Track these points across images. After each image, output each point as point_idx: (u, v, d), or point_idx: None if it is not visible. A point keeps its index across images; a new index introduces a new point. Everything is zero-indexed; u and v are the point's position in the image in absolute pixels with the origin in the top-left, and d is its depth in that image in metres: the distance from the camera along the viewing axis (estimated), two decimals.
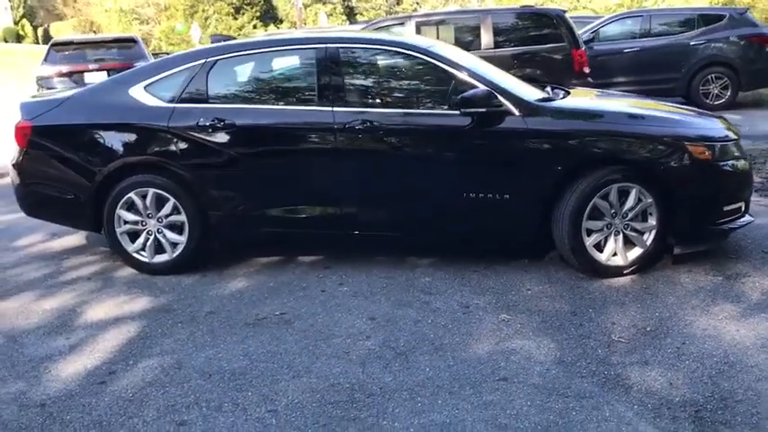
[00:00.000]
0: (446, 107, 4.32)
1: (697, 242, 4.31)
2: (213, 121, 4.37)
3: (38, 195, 4.78)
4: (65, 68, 10.91)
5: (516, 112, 4.17)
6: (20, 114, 4.78)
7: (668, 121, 4.28)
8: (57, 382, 3.29)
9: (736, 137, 4.35)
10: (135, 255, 4.62)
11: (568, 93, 4.69)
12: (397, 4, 46.55)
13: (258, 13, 48.49)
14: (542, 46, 9.50)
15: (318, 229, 4.54)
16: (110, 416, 2.98)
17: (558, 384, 3.11)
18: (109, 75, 10.59)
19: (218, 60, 4.54)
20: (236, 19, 47.22)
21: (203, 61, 4.51)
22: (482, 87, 4.14)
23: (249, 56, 4.65)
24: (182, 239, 4.55)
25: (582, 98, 4.86)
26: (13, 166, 4.84)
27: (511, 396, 3.03)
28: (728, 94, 11.28)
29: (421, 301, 4.06)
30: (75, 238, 5.59)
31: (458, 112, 4.19)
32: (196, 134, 4.41)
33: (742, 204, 4.36)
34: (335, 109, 4.30)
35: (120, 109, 4.54)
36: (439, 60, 4.36)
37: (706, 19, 11.73)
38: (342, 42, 4.49)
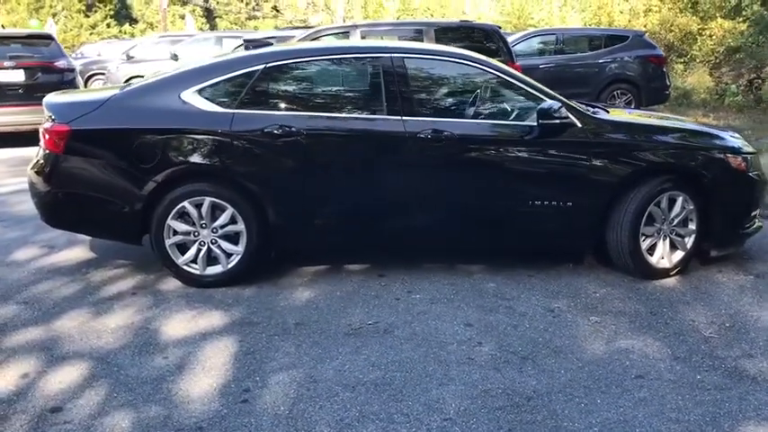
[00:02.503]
0: (513, 118, 4.45)
1: (729, 245, 4.76)
2: (279, 128, 4.25)
3: (72, 205, 4.41)
4: None
5: (579, 123, 4.39)
6: (50, 116, 4.39)
7: (712, 135, 4.70)
8: (194, 403, 3.10)
9: (755, 151, 4.83)
10: (185, 267, 4.38)
11: (607, 110, 4.96)
12: (255, 9, 45.98)
13: (111, 12, 46.14)
14: None
15: (383, 239, 4.53)
16: None
17: (691, 379, 3.34)
18: (26, 73, 9.81)
19: (278, 66, 4.42)
20: (87, 17, 44.61)
21: (263, 66, 4.38)
22: (552, 100, 4.33)
23: (311, 62, 4.56)
24: (238, 250, 4.38)
25: (625, 113, 5.17)
26: (39, 172, 4.43)
27: (659, 392, 3.22)
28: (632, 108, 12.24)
29: (504, 306, 4.17)
30: (79, 250, 5.19)
31: (524, 122, 4.35)
32: (260, 141, 4.27)
33: (759, 210, 4.85)
34: (405, 118, 4.33)
35: (173, 113, 4.31)
36: (502, 73, 4.51)
37: (611, 39, 12.68)
38: (407, 52, 4.52)
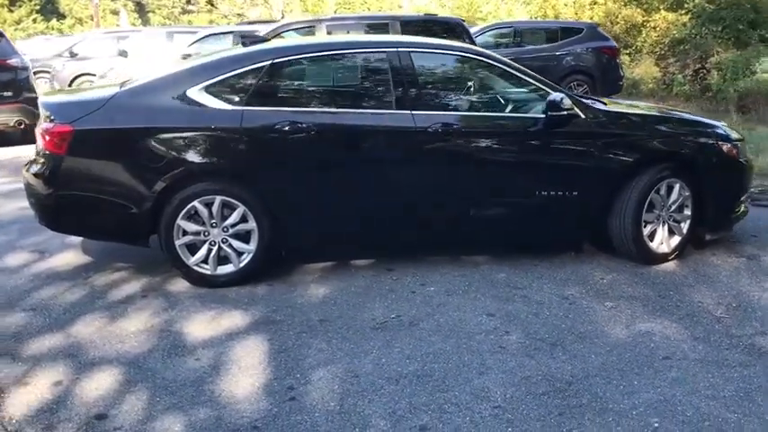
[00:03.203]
0: (521, 110, 4.54)
1: (722, 229, 4.97)
2: (289, 124, 4.23)
3: (76, 207, 4.28)
4: None
5: (582, 115, 4.51)
6: (48, 116, 4.26)
7: (705, 124, 4.89)
8: (242, 403, 3.08)
9: (743, 137, 5.05)
10: (196, 267, 4.32)
11: (604, 102, 5.09)
12: (189, 3, 45.12)
13: (37, 6, 44.48)
14: None
15: (396, 233, 4.56)
16: (337, 429, 2.87)
17: (715, 357, 3.49)
18: None
19: (286, 61, 4.39)
20: (11, 11, 42.93)
21: (270, 62, 4.34)
22: (558, 93, 4.43)
23: (318, 57, 4.55)
24: (250, 248, 4.34)
25: (621, 105, 5.31)
26: (39, 174, 4.30)
27: (689, 371, 3.35)
28: None
29: (519, 296, 4.26)
30: (73, 254, 5.06)
31: (532, 114, 4.44)
32: (271, 138, 4.24)
33: (746, 195, 5.07)
34: (414, 112, 4.36)
35: (181, 111, 4.24)
36: (507, 66, 4.59)
37: (567, 31, 12.97)
38: (413, 47, 4.54)
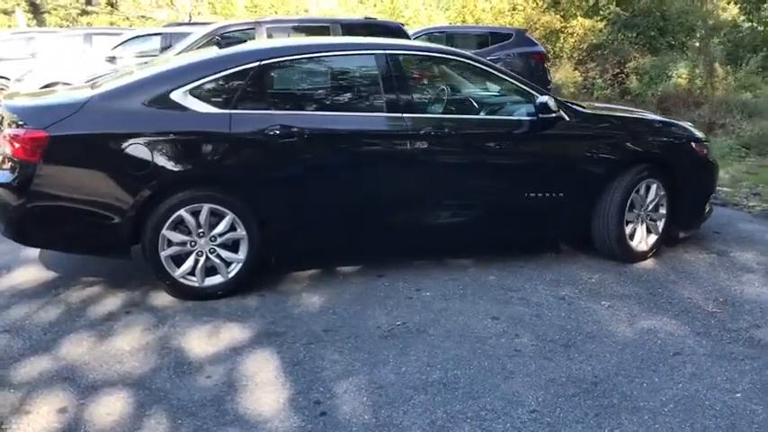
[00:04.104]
0: (508, 113, 4.56)
1: (692, 227, 5.14)
2: (280, 128, 4.09)
3: (50, 219, 3.98)
4: None
5: (566, 117, 4.58)
6: (16, 121, 3.95)
7: (678, 125, 5.05)
8: (271, 421, 2.94)
9: (708, 138, 5.26)
10: (182, 280, 4.10)
11: (582, 105, 5.16)
12: (88, 3, 43.43)
13: None
14: None
15: (387, 237, 4.48)
16: None
17: (721, 351, 3.60)
18: None
19: (274, 63, 4.24)
20: None
21: (257, 64, 4.18)
22: (545, 95, 4.47)
23: (305, 59, 4.41)
24: (239, 257, 4.16)
25: (598, 107, 5.41)
26: (5, 184, 3.98)
27: (703, 366, 3.44)
28: None
29: (516, 298, 4.27)
30: (34, 269, 4.71)
31: (520, 117, 4.49)
32: (261, 142, 4.09)
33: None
34: (405, 115, 4.31)
35: (165, 115, 4.02)
36: (493, 69, 4.60)
37: (496, 37, 13.20)
38: (399, 49, 4.49)
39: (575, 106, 4.86)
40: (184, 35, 11.55)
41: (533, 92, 4.56)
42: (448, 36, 13.03)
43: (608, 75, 14.98)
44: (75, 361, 3.42)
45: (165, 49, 11.86)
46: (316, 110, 4.29)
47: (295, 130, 4.11)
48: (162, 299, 4.18)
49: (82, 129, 3.91)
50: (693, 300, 4.26)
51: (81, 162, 3.91)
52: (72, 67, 11.85)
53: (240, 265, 4.16)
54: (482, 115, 4.61)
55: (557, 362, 3.46)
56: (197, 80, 4.08)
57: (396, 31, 10.25)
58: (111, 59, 11.54)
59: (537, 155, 4.54)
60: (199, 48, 9.47)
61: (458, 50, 4.77)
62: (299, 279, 4.54)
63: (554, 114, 4.41)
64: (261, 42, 4.70)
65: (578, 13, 17.62)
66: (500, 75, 4.60)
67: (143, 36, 12.18)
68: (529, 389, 3.19)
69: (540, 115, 4.40)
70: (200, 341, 3.66)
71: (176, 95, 4.02)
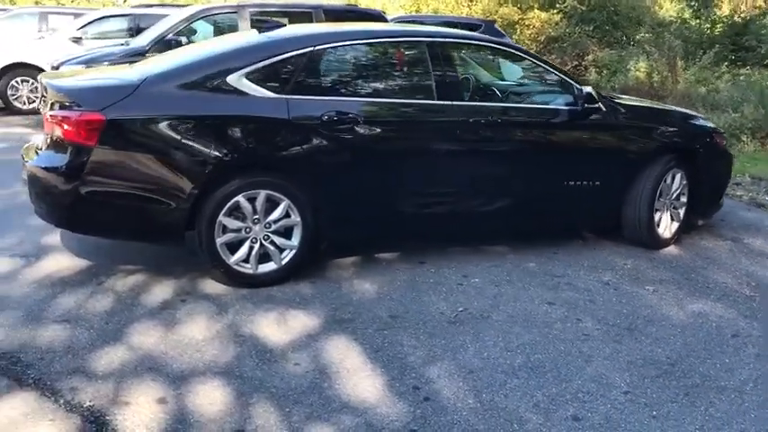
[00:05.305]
0: (552, 102, 4.65)
1: (710, 214, 5.36)
2: (336, 114, 4.07)
3: (101, 205, 3.85)
4: None
5: (603, 107, 4.71)
6: (66, 101, 3.80)
7: (698, 117, 5.25)
8: (379, 407, 2.94)
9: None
10: (236, 267, 4.05)
11: (612, 96, 5.30)
12: None
13: None
14: None
15: (432, 226, 4.52)
16: (494, 426, 2.83)
17: None
18: None
19: (326, 48, 4.21)
20: None
21: (311, 49, 4.14)
22: (588, 87, 4.59)
23: (357, 45, 4.38)
24: (292, 244, 4.13)
25: (628, 98, 5.55)
26: (55, 168, 3.83)
27: (765, 347, 3.62)
28: None
29: (563, 283, 4.38)
30: (63, 257, 4.53)
31: (567, 107, 4.59)
32: (317, 128, 4.05)
33: None
34: (455, 103, 4.35)
35: (223, 99, 3.94)
36: (537, 59, 4.69)
37: (465, 28, 13.28)
38: (449, 37, 4.52)
39: (608, 96, 4.98)
40: (155, 17, 11.25)
41: (574, 82, 4.66)
42: (420, 24, 13.01)
43: (567, 67, 15.31)
44: (151, 350, 3.34)
45: (131, 30, 11.52)
46: (370, 96, 4.27)
47: (350, 116, 4.09)
48: (212, 286, 4.10)
49: (138, 111, 3.79)
50: (728, 284, 4.45)
51: (137, 146, 3.79)
52: (33, 47, 11.36)
53: (294, 251, 4.12)
54: (530, 104, 4.67)
55: (627, 345, 3.57)
56: (253, 64, 4.02)
57: (377, 17, 10.23)
58: (77, 40, 11.13)
59: (579, 144, 4.65)
60: (179, 31, 9.26)
61: (503, 40, 4.80)
62: (344, 266, 4.52)
63: (596, 104, 4.51)
64: (312, 27, 4.61)
65: (535, 6, 17.91)
66: (543, 64, 4.68)
67: (110, 17, 11.75)
68: (613, 371, 3.29)
69: (586, 105, 4.49)
70: (271, 328, 3.61)
71: (233, 79, 3.95)
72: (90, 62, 8.61)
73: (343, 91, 4.23)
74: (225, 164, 3.87)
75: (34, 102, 10.95)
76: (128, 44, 9.56)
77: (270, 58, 4.06)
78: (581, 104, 4.52)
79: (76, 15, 12.79)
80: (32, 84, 10.91)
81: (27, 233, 4.90)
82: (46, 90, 4.06)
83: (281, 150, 3.99)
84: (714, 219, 5.84)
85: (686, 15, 19.19)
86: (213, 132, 3.85)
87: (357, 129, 4.10)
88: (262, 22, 7.32)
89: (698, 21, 17.52)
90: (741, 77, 13.75)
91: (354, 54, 4.37)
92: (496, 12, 17.95)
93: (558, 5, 17.68)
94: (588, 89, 4.52)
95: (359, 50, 4.39)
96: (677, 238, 5.15)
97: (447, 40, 4.46)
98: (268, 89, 3.99)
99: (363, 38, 4.43)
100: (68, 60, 8.90)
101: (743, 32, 17.05)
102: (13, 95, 10.88)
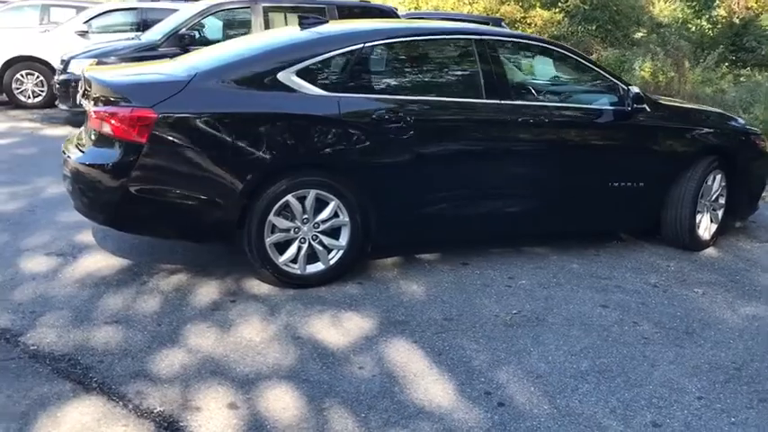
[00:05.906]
0: (598, 102, 4.60)
1: (747, 216, 5.34)
2: (386, 112, 4.00)
3: (150, 204, 3.76)
4: None
5: (648, 108, 4.67)
6: (114, 97, 3.71)
7: (736, 119, 5.22)
8: (455, 412, 2.88)
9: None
10: (285, 267, 3.97)
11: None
12: None
13: None
14: None
15: (483, 227, 4.46)
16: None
17: None
18: None
19: (379, 45, 4.14)
20: None
21: (361, 46, 4.07)
22: (635, 87, 4.55)
23: (408, 42, 4.31)
24: (340, 245, 4.06)
25: (669, 100, 5.52)
26: (103, 165, 3.74)
27: None
28: None
29: (612, 286, 4.34)
30: (100, 255, 4.44)
31: (616, 107, 4.55)
32: (368, 127, 3.98)
33: None
34: (504, 102, 4.30)
35: (273, 97, 3.86)
36: (582, 58, 4.64)
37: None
38: (498, 36, 4.47)
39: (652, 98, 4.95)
40: (161, 11, 11.12)
41: (621, 83, 4.61)
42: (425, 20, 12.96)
43: None
44: (211, 353, 3.26)
45: (138, 23, 11.37)
46: (420, 95, 4.20)
47: (401, 115, 4.02)
48: (259, 287, 4.03)
49: (189, 108, 3.70)
50: None
51: (188, 143, 3.70)
52: (38, 40, 11.18)
53: (342, 252, 4.05)
54: (577, 103, 4.62)
55: (690, 349, 3.53)
56: (303, 61, 3.94)
57: (390, 14, 10.16)
58: (83, 33, 10.97)
59: (625, 144, 4.60)
60: (192, 26, 9.13)
61: (551, 40, 4.75)
62: (386, 267, 4.46)
63: (643, 105, 4.47)
64: (359, 23, 4.53)
65: (537, 4, 17.90)
66: (590, 64, 4.65)
67: (116, 10, 11.59)
68: (681, 376, 3.25)
69: (635, 105, 4.45)
70: (328, 331, 3.54)
71: (283, 76, 3.87)
72: (101, 56, 8.46)
73: (393, 89, 4.16)
74: (275, 162, 3.80)
75: (39, 96, 10.78)
76: (139, 38, 9.40)
77: (321, 54, 3.98)
78: (629, 105, 4.46)
79: (79, 9, 12.59)
80: (38, 77, 10.75)
81: (58, 230, 4.82)
82: (89, 84, 3.94)
83: (331, 149, 3.92)
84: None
85: (680, 15, 19.26)
86: (264, 130, 3.77)
87: (407, 128, 4.03)
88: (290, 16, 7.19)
89: (698, 21, 17.56)
90: (742, 78, 13.81)
91: (404, 51, 4.30)
92: (498, 10, 17.90)
93: (560, 4, 17.65)
94: (636, 89, 4.48)
95: (408, 47, 4.32)
96: (715, 239, 5.11)
97: (498, 38, 4.40)
98: (319, 86, 3.92)
99: (412, 35, 4.36)
100: (79, 54, 8.75)
101: (742, 33, 17.13)
102: (18, 89, 10.69)
